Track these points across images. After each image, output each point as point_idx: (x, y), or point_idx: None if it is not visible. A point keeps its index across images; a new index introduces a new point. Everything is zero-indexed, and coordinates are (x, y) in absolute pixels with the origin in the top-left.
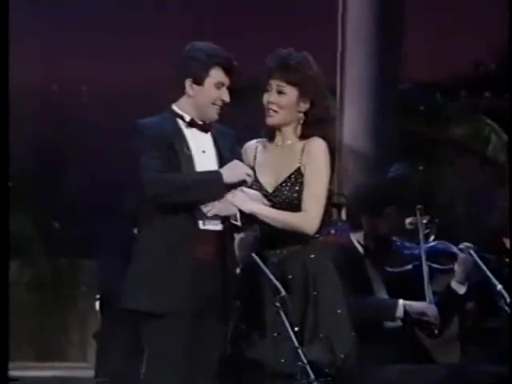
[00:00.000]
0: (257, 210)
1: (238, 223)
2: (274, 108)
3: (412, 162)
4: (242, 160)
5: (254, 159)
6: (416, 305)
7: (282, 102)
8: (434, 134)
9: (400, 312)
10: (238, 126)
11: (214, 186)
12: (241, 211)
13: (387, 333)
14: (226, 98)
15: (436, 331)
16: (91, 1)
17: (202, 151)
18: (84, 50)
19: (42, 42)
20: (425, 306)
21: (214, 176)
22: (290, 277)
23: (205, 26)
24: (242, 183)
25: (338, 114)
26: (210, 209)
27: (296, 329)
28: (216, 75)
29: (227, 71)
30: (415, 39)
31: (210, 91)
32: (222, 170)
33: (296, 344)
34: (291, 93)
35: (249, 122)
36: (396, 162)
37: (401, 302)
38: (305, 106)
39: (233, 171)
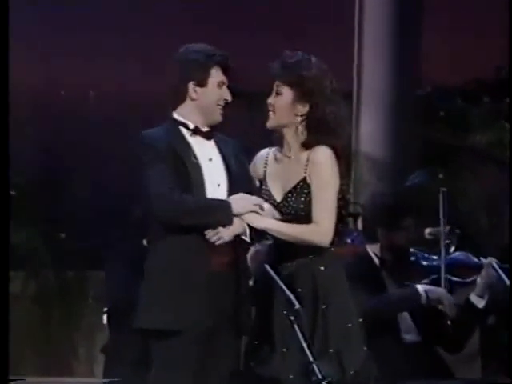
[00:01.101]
0: (267, 225)
1: (248, 239)
2: (271, 110)
3: (432, 169)
4: (246, 168)
5: (265, 169)
6: (434, 290)
7: (278, 102)
8: (455, 140)
9: (423, 298)
10: (251, 133)
11: (223, 216)
12: (250, 226)
13: (405, 347)
14: (228, 96)
15: (449, 322)
16: (103, 2)
17: (209, 159)
18: (91, 52)
19: (45, 44)
20: (442, 293)
21: (223, 206)
22: (299, 290)
23: (218, 32)
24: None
25: (353, 121)
26: (218, 238)
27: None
28: (217, 74)
29: (225, 70)
30: (435, 42)
31: (213, 91)
32: (231, 201)
33: (311, 359)
34: (286, 93)
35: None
36: (415, 170)
37: (420, 287)
38: (303, 110)
39: (242, 204)
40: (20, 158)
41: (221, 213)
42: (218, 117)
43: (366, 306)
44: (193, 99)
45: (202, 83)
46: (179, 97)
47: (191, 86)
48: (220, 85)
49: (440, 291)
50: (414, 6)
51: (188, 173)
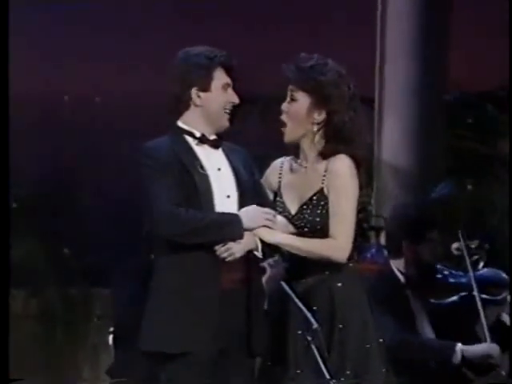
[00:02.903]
0: (281, 240)
1: (260, 255)
2: (284, 118)
3: (459, 180)
4: (256, 178)
5: (279, 179)
6: (477, 349)
7: (292, 109)
8: (484, 149)
9: (457, 357)
10: (261, 141)
11: (233, 232)
12: (262, 241)
13: (431, 370)
14: (235, 99)
15: (503, 372)
16: (110, 7)
17: (218, 169)
18: (96, 58)
19: (46, 48)
20: (488, 348)
21: (234, 221)
22: (314, 308)
23: (225, 32)
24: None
25: (377, 129)
26: (229, 254)
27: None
28: (220, 76)
29: (229, 71)
30: (462, 45)
31: (218, 95)
32: (242, 214)
33: (331, 382)
34: (302, 100)
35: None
36: (441, 181)
37: (459, 346)
38: (319, 117)
39: (253, 218)
40: (20, 169)
41: (231, 229)
42: (225, 122)
43: (393, 340)
44: (197, 105)
45: (205, 88)
46: (182, 104)
47: (194, 91)
48: (225, 87)
49: (485, 347)
50: (440, 6)
51: (195, 184)
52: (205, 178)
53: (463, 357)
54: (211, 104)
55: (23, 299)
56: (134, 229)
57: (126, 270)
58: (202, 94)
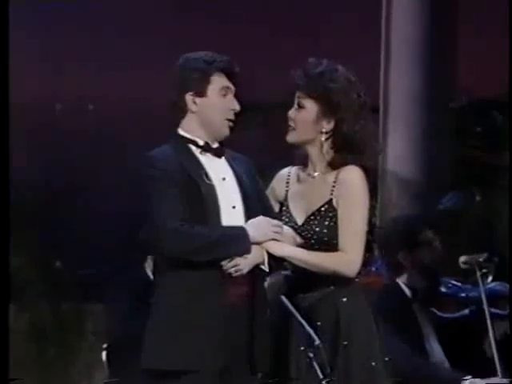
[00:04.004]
0: (289, 253)
1: (267, 269)
2: (291, 124)
3: (467, 191)
4: (261, 188)
5: (287, 189)
6: None
7: (299, 117)
8: (493, 159)
9: None
10: (266, 150)
11: (240, 248)
12: (268, 253)
13: None
14: (235, 105)
15: None
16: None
17: (222, 178)
18: (91, 62)
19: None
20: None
21: (241, 236)
22: (318, 323)
23: (230, 37)
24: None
25: (382, 138)
26: (236, 270)
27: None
28: (218, 81)
29: (230, 76)
30: (471, 48)
31: (215, 101)
32: (249, 227)
33: None
34: (310, 107)
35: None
36: (449, 192)
37: (469, 381)
38: (328, 126)
39: (261, 231)
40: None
41: (238, 245)
42: (224, 131)
43: (401, 360)
44: (193, 112)
45: (200, 92)
46: (179, 110)
47: (189, 97)
48: (223, 93)
49: (496, 382)
50: (448, 8)
51: (202, 196)
52: (211, 188)
53: None
54: (207, 110)
55: (13, 314)
56: (129, 241)
57: (120, 285)
58: (197, 99)
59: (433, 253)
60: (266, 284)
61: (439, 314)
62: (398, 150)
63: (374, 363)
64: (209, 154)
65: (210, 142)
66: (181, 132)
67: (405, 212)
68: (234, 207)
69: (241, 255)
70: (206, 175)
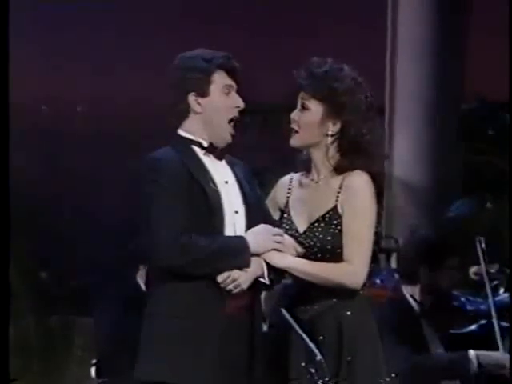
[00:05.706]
0: (290, 264)
1: (267, 281)
2: (295, 127)
3: (478, 197)
4: (259, 193)
5: (288, 196)
6: (489, 355)
7: (304, 119)
8: (505, 164)
9: (473, 366)
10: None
11: (239, 261)
12: (268, 265)
13: None
14: (240, 102)
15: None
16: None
17: (225, 182)
18: (81, 64)
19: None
20: (501, 357)
21: (241, 248)
22: (320, 337)
23: (230, 37)
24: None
25: (387, 142)
26: (235, 286)
27: None
28: (220, 79)
29: (231, 73)
30: (481, 49)
31: (218, 99)
32: (249, 238)
33: None
34: (314, 108)
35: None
36: (458, 199)
37: (471, 353)
38: (333, 128)
39: (261, 241)
40: None
41: (237, 258)
42: (227, 135)
43: (404, 365)
44: (197, 113)
45: (203, 92)
46: (181, 112)
47: (192, 97)
48: (226, 91)
49: (498, 355)
50: (456, 7)
51: (207, 201)
52: (216, 193)
53: (479, 364)
54: (212, 110)
55: None
56: (120, 252)
57: (109, 297)
58: (201, 100)
59: (453, 277)
60: (264, 293)
61: (448, 329)
62: (405, 154)
63: (381, 380)
64: (212, 156)
65: (213, 143)
66: (183, 133)
67: (427, 227)
68: (236, 212)
69: (240, 268)
70: (212, 180)
